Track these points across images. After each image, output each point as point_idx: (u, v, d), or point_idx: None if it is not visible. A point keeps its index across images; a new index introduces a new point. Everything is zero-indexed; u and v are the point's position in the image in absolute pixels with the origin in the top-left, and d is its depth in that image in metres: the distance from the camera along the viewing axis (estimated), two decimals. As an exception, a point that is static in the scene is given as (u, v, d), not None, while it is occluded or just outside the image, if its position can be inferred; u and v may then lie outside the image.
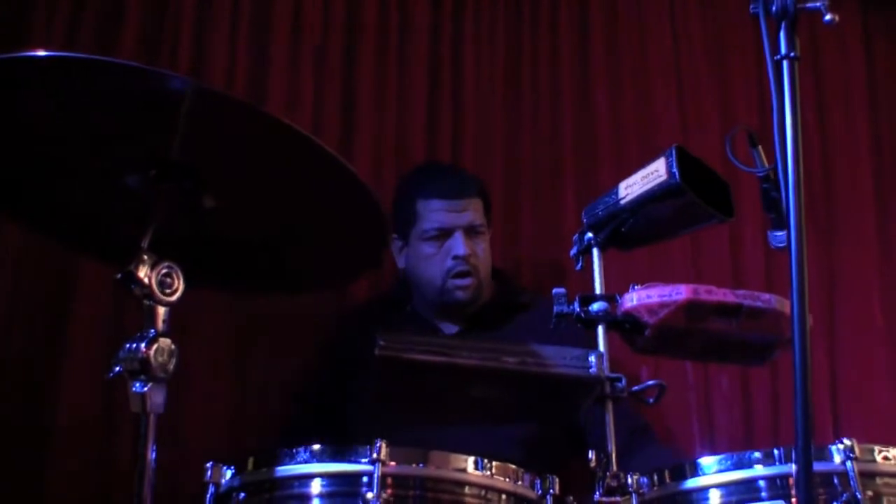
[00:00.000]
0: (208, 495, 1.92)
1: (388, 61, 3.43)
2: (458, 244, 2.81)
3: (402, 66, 3.45)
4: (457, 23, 3.55)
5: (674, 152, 1.87)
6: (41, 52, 1.52)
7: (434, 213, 2.83)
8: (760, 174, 1.79)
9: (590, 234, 2.03)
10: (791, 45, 1.66)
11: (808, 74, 3.84)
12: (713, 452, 1.92)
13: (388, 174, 3.27)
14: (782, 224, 1.63)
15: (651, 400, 1.93)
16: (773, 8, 1.67)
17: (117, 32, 3.07)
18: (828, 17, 1.66)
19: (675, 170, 1.85)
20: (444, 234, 2.83)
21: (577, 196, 3.37)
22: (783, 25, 1.67)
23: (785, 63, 1.65)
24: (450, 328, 2.92)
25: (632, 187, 1.93)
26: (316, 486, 1.84)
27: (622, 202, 1.96)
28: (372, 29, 3.43)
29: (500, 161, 3.46)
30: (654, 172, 1.89)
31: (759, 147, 1.82)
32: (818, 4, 1.67)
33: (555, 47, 3.64)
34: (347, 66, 3.37)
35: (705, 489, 1.86)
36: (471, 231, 2.84)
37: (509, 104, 3.54)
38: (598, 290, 1.97)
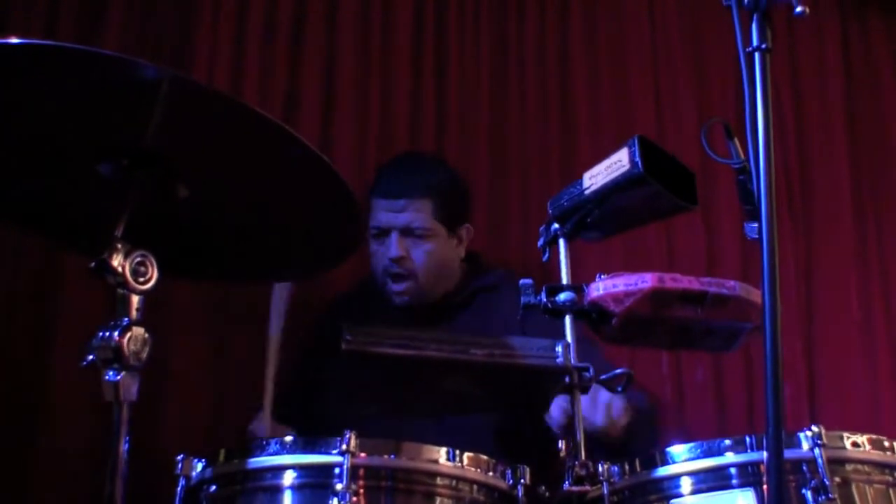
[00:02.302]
0: (179, 488, 1.92)
1: (370, 48, 3.44)
2: (391, 246, 2.81)
3: (385, 55, 3.45)
4: (440, 11, 3.56)
5: (636, 142, 1.87)
6: (14, 40, 1.51)
7: (377, 211, 2.84)
8: (736, 166, 1.79)
9: (556, 225, 2.05)
10: (763, 37, 1.66)
11: (786, 68, 3.86)
12: (685, 440, 1.92)
13: (370, 165, 3.26)
14: (757, 216, 1.64)
15: (619, 388, 1.94)
16: (746, 0, 1.68)
17: (99, 24, 3.09)
18: (798, 9, 1.66)
19: (637, 159, 1.86)
20: (383, 233, 2.83)
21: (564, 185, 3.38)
22: (755, 17, 1.67)
23: (757, 55, 1.66)
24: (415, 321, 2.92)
25: (596, 178, 1.94)
26: (287, 478, 1.84)
27: (587, 192, 1.97)
28: (353, 16, 3.44)
29: (484, 150, 3.46)
30: (618, 162, 1.90)
31: (735, 139, 1.83)
32: (790, -3, 1.68)
33: (542, 35, 3.66)
34: (328, 55, 3.38)
35: (676, 477, 1.87)
36: (408, 233, 2.82)
37: (494, 93, 3.55)
38: (564, 281, 1.98)
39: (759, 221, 1.61)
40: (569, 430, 2.19)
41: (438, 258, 2.86)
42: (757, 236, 1.63)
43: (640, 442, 2.45)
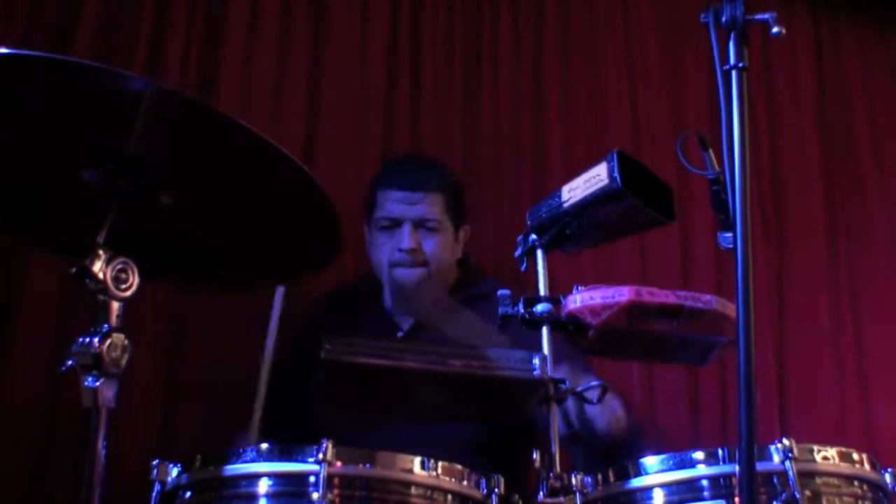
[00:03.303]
0: (154, 493, 1.92)
1: (350, 63, 3.44)
2: (404, 237, 2.82)
3: (363, 62, 3.46)
4: (415, 12, 3.57)
5: (615, 157, 1.89)
6: (3, 50, 1.53)
7: (388, 203, 2.85)
8: (710, 177, 1.81)
9: (534, 236, 2.06)
10: (740, 55, 1.69)
11: (760, 80, 3.90)
12: (657, 452, 1.94)
13: (347, 172, 3.29)
14: (730, 226, 1.66)
15: (595, 400, 1.96)
16: (723, 19, 1.70)
17: (74, 24, 3.07)
18: (775, 29, 1.69)
19: (616, 174, 1.87)
20: (395, 224, 2.84)
21: (535, 197, 3.38)
22: (732, 36, 1.70)
23: (734, 73, 1.68)
24: (407, 321, 2.92)
25: (575, 191, 1.95)
26: (263, 486, 1.85)
27: (565, 205, 1.97)
28: (333, 27, 3.44)
29: (458, 158, 3.46)
30: (597, 176, 1.91)
31: (710, 150, 1.84)
32: (766, 17, 1.70)
33: (517, 43, 3.68)
34: (308, 55, 3.39)
35: (649, 489, 1.89)
36: (421, 225, 2.84)
37: (467, 104, 3.56)
38: (542, 292, 2.00)
39: (734, 232, 1.63)
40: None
41: (446, 252, 2.89)
42: (730, 246, 1.65)
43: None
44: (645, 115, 3.74)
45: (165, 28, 3.20)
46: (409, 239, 2.82)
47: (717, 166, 1.81)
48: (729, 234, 1.69)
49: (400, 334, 2.91)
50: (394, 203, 2.84)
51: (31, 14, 3.03)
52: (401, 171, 2.91)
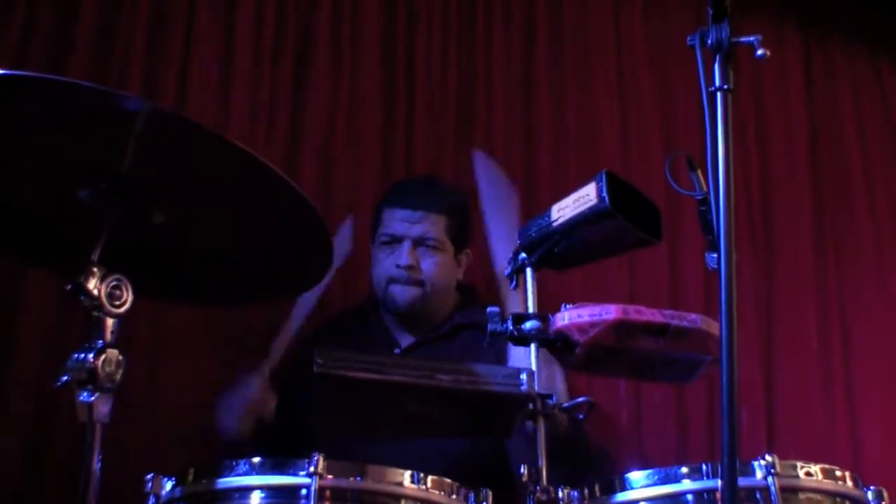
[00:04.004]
0: (148, 507, 1.94)
1: (341, 75, 3.46)
2: (403, 253, 2.85)
3: (355, 74, 3.49)
4: (409, 34, 3.60)
5: (604, 177, 1.91)
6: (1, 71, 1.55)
7: (391, 221, 2.89)
8: (698, 197, 1.83)
9: (523, 255, 2.08)
10: (725, 77, 1.70)
11: (751, 105, 3.93)
12: (643, 467, 1.97)
13: (337, 182, 3.34)
14: (717, 246, 1.69)
15: (581, 416, 1.98)
16: (709, 41, 1.72)
17: (69, 44, 3.09)
18: (760, 52, 1.72)
19: (604, 194, 1.89)
20: (395, 241, 2.88)
21: (525, 215, 3.39)
22: (717, 58, 1.72)
23: (719, 95, 1.71)
24: (407, 339, 2.96)
25: (564, 210, 1.98)
26: (255, 499, 1.87)
27: (555, 224, 2.00)
28: (324, 38, 3.47)
29: (450, 178, 3.49)
30: (585, 196, 1.93)
31: (698, 171, 1.86)
32: (751, 39, 1.72)
33: (508, 64, 3.70)
34: (296, 80, 3.41)
35: (634, 503, 1.91)
36: (420, 243, 2.87)
37: (460, 123, 3.59)
38: (530, 309, 2.02)
39: (718, 253, 1.66)
40: None
41: (444, 273, 2.92)
42: (717, 266, 1.67)
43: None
44: (635, 134, 3.76)
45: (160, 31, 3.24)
46: (408, 256, 2.85)
47: (704, 187, 1.83)
48: (716, 255, 1.71)
49: (397, 351, 2.94)
50: (397, 221, 2.88)
51: (28, 15, 3.06)
52: (407, 191, 2.97)
